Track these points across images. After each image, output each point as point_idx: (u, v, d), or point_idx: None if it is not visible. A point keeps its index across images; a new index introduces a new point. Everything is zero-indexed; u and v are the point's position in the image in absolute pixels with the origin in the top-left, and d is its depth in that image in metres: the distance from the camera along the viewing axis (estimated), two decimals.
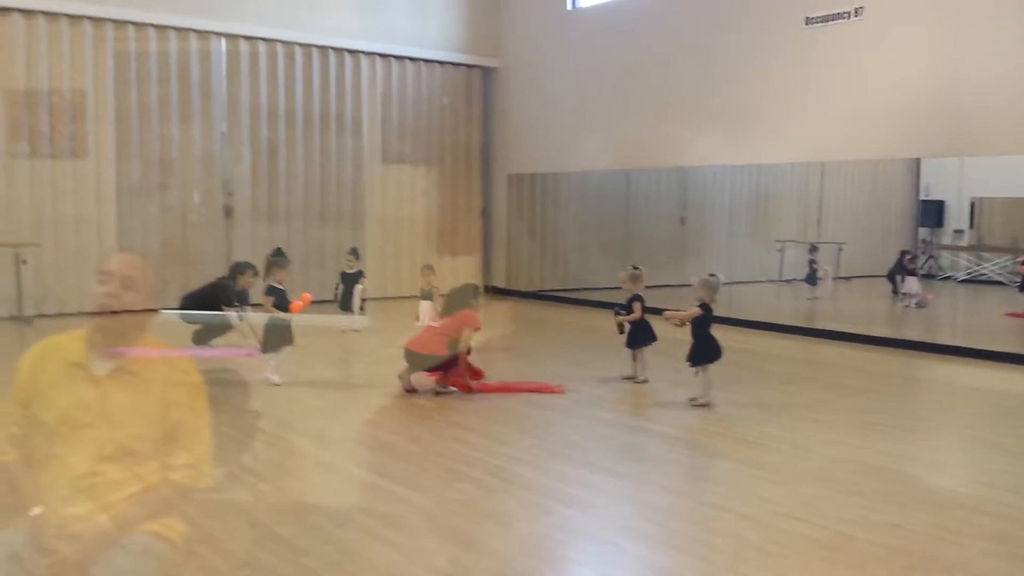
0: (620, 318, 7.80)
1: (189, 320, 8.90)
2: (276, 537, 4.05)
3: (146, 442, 2.67)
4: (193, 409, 2.76)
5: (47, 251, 11.18)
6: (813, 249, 13.22)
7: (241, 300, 9.17)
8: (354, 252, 10.95)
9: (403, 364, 7.38)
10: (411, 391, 7.25)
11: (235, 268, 9.27)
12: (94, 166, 11.54)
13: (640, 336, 7.74)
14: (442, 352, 7.28)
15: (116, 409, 2.65)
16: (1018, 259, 11.92)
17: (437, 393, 7.25)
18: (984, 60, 9.21)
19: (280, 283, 7.67)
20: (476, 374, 7.51)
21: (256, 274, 8.91)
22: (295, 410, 6.87)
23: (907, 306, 12.31)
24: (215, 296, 9.09)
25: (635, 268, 8.01)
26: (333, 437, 6.03)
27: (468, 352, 7.37)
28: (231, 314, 8.87)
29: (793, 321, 11.62)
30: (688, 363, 6.97)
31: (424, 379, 7.39)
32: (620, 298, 8.04)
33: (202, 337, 9.07)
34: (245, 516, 4.31)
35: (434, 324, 7.82)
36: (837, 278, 13.49)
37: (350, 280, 10.65)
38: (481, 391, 7.32)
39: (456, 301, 7.61)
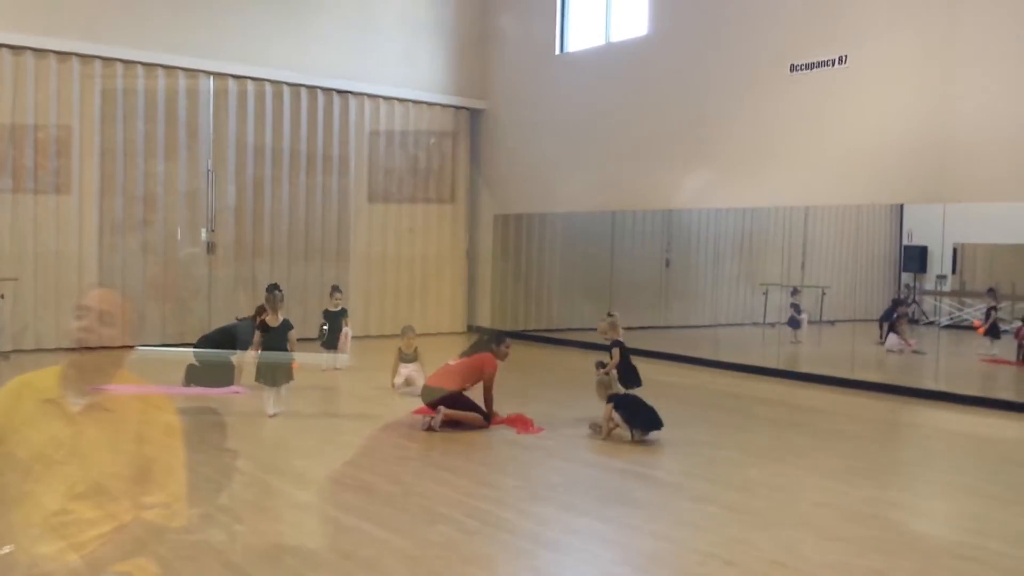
0: (602, 372, 7.73)
1: (198, 358, 8.98)
2: None
3: (119, 480, 2.62)
4: (168, 447, 2.72)
5: (26, 286, 11.09)
6: (795, 292, 13.28)
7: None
8: (337, 289, 10.91)
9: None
10: (428, 429, 7.22)
11: (261, 309, 9.39)
12: (77, 202, 11.49)
13: (626, 379, 7.69)
14: (449, 387, 7.40)
15: (89, 446, 2.60)
16: (997, 305, 12.01)
17: (428, 428, 7.20)
18: (967, 108, 9.32)
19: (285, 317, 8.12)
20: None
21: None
22: (274, 450, 6.78)
23: (896, 351, 12.36)
24: (230, 338, 9.10)
25: (610, 315, 7.98)
26: (312, 477, 5.95)
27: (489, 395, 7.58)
28: (231, 354, 8.86)
29: (777, 364, 11.62)
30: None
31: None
32: (601, 345, 8.06)
33: (194, 376, 9.00)
34: (219, 557, 4.22)
35: (452, 363, 7.86)
36: (821, 321, 13.52)
37: (335, 318, 10.59)
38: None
39: (479, 345, 7.89)
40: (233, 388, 8.79)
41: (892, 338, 12.56)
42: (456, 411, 7.35)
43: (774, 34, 11.02)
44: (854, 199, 10.77)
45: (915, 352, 12.10)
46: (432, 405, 7.40)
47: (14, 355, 10.62)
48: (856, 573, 4.22)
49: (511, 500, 5.44)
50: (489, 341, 7.92)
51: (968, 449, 7.72)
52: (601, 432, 7.14)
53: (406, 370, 9.11)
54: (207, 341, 9.39)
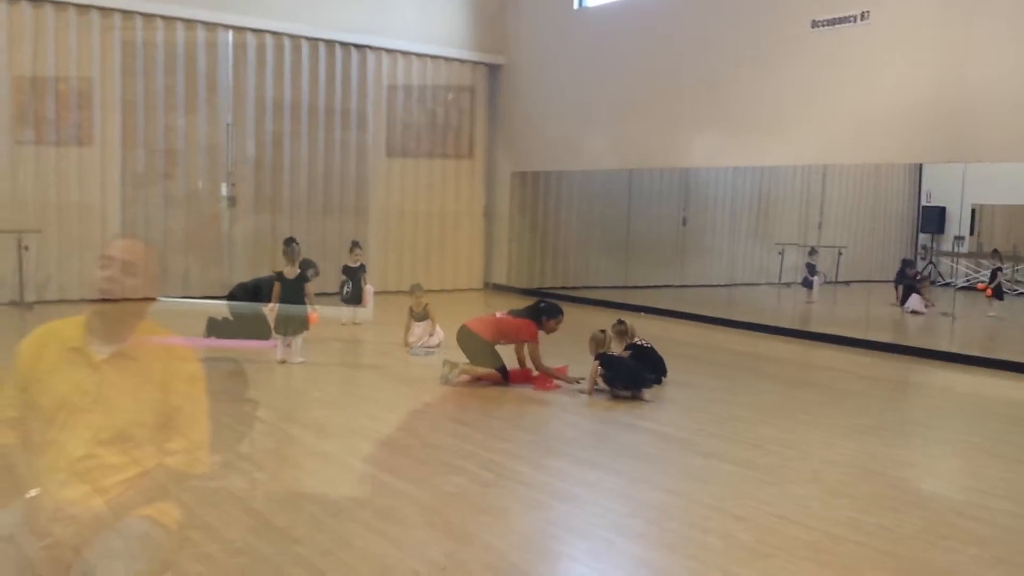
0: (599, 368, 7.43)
1: (233, 310, 9.10)
2: (271, 525, 4.07)
3: (143, 427, 2.68)
4: (191, 396, 2.77)
5: (50, 238, 11.21)
6: (812, 252, 13.24)
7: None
8: (357, 244, 10.94)
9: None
10: (446, 383, 7.33)
11: (304, 263, 9.62)
12: (99, 154, 11.57)
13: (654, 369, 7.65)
14: (485, 337, 7.48)
15: (114, 394, 2.65)
16: (1017, 266, 11.96)
17: (446, 382, 7.31)
18: (989, 67, 9.21)
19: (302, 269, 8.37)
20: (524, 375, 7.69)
21: (317, 273, 9.50)
22: (294, 400, 6.90)
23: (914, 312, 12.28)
24: (261, 290, 9.11)
25: (621, 322, 7.90)
26: (331, 428, 6.05)
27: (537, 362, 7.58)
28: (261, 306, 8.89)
29: (791, 324, 11.64)
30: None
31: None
32: (618, 305, 8.04)
33: (217, 328, 9.07)
34: (240, 504, 4.33)
35: (499, 315, 7.88)
36: (836, 282, 13.48)
37: (355, 274, 10.64)
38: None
39: (532, 310, 7.84)
40: (271, 341, 8.88)
41: (915, 299, 12.48)
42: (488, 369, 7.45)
43: None
44: (872, 158, 10.69)
45: (943, 314, 11.96)
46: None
47: (38, 306, 10.77)
48: (864, 530, 4.29)
49: (526, 453, 5.53)
50: (543, 311, 7.82)
51: (978, 409, 7.75)
52: (586, 389, 7.19)
53: (419, 328, 9.15)
54: (242, 289, 9.43)
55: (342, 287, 10.73)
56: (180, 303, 10.19)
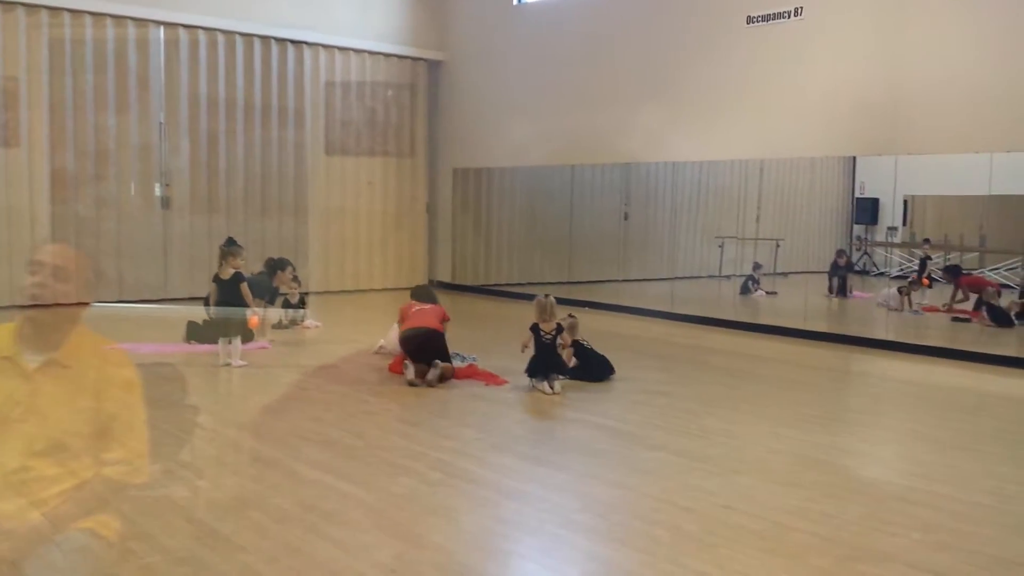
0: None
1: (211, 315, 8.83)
2: (214, 534, 3.98)
3: (79, 437, 2.62)
4: (127, 403, 2.70)
5: None
6: (756, 267, 13.51)
7: (273, 297, 9.50)
8: (296, 280, 10.49)
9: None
10: (412, 384, 7.27)
11: (270, 262, 10.00)
12: (26, 155, 11.22)
13: (593, 372, 7.67)
14: (433, 326, 7.57)
15: (47, 403, 2.59)
16: (948, 255, 12.26)
17: (411, 384, 7.25)
18: (920, 61, 9.43)
19: (236, 270, 8.16)
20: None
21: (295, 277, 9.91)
22: (235, 405, 6.78)
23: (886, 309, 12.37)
24: (251, 287, 8.84)
25: (571, 316, 7.96)
26: (274, 432, 5.95)
27: None
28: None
29: (733, 316, 11.78)
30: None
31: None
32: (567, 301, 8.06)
33: (195, 333, 8.82)
34: (182, 513, 4.24)
35: (427, 307, 8.01)
36: (775, 273, 13.70)
37: (295, 307, 10.34)
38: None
39: (430, 296, 8.36)
40: (260, 343, 8.74)
41: (893, 294, 12.28)
42: (449, 364, 7.48)
43: None
44: (808, 152, 10.89)
45: (915, 312, 11.92)
46: (427, 360, 7.41)
47: None
48: (809, 517, 4.34)
49: (473, 451, 5.50)
50: (433, 295, 8.42)
51: (918, 397, 7.94)
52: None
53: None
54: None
55: (279, 321, 10.11)
56: (115, 308, 9.96)
